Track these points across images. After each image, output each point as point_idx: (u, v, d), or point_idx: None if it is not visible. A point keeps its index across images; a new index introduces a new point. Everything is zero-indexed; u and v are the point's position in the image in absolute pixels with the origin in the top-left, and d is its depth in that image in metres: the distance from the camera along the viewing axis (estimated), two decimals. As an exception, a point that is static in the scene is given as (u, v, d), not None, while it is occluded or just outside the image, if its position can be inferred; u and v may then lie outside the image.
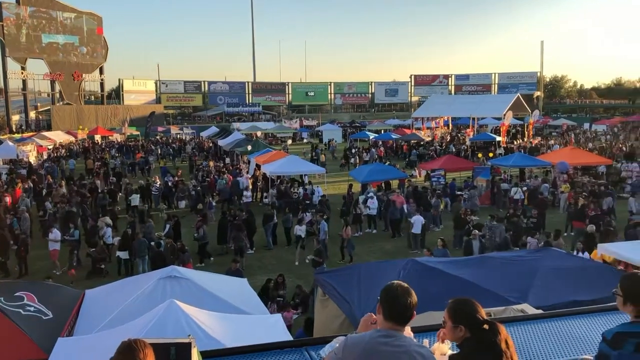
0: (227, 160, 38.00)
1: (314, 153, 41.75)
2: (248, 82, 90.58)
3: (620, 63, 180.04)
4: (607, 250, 11.57)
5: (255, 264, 17.31)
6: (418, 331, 3.59)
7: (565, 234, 19.30)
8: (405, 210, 20.41)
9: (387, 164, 33.30)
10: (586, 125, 66.87)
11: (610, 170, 29.50)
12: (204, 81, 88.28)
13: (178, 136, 62.41)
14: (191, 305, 7.01)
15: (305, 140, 60.05)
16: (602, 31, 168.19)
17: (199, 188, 25.65)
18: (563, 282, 9.23)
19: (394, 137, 50.19)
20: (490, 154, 37.20)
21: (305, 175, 27.90)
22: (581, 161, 29.10)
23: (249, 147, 34.23)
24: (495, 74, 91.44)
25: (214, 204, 23.31)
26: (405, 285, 2.84)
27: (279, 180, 26.16)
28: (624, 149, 40.78)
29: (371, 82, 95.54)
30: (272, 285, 13.36)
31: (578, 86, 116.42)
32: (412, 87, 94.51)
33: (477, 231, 16.27)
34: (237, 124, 65.45)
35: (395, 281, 2.89)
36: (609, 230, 16.07)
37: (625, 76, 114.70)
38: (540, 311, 6.24)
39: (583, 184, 25.75)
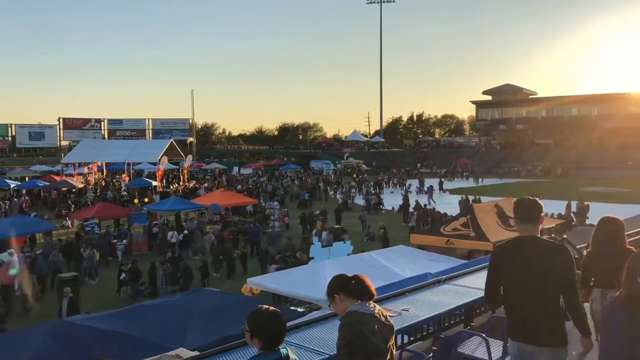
0: None
1: None
2: None
3: (260, 114, 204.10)
4: (255, 283, 12.59)
5: None
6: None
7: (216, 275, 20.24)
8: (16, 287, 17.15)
9: (33, 215, 29.93)
10: (235, 169, 72.97)
11: (257, 209, 32.75)
12: None
13: None
14: None
15: None
16: (242, 82, 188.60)
17: None
18: (218, 320, 9.63)
19: (40, 184, 45.55)
20: (146, 199, 37.11)
21: None
22: (232, 202, 31.53)
23: None
24: (149, 119, 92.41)
25: None
26: None
27: None
28: (268, 188, 45.93)
29: (11, 124, 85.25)
30: None
31: (227, 133, 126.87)
32: (61, 130, 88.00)
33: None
34: None
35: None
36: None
37: (265, 125, 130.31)
38: (195, 353, 6.34)
39: (234, 222, 27.89)
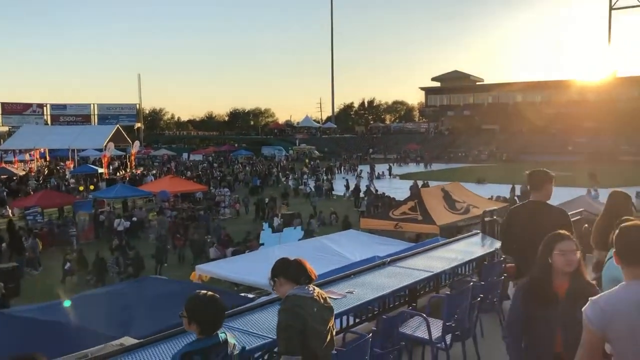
0: None
1: None
2: None
3: (211, 99, 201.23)
4: (203, 270, 12.50)
5: None
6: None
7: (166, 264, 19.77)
8: None
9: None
10: (185, 155, 71.73)
11: (207, 196, 32.35)
12: None
13: None
14: None
15: None
16: (193, 70, 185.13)
17: None
18: (165, 308, 9.48)
19: (-23, 172, 43.55)
20: (92, 187, 36.08)
21: None
22: (181, 189, 31.03)
23: None
24: (94, 104, 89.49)
25: None
26: None
27: None
28: (216, 175, 45.43)
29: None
30: None
31: (176, 118, 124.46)
32: (1, 116, 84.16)
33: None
34: None
35: None
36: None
37: (215, 110, 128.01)
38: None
39: (184, 209, 27.48)
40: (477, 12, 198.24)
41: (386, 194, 30.35)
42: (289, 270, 3.35)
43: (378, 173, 48.28)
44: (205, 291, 2.99)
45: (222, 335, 2.94)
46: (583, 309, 2.61)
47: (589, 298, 2.64)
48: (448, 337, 4.78)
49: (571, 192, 21.67)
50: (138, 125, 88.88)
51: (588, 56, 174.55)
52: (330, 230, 20.43)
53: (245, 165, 57.77)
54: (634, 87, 69.59)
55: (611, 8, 75.19)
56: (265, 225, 16.92)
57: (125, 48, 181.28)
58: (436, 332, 4.71)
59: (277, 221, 22.70)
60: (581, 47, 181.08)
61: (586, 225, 9.25)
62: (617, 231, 2.69)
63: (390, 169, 49.84)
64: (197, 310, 2.90)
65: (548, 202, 4.95)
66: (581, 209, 11.36)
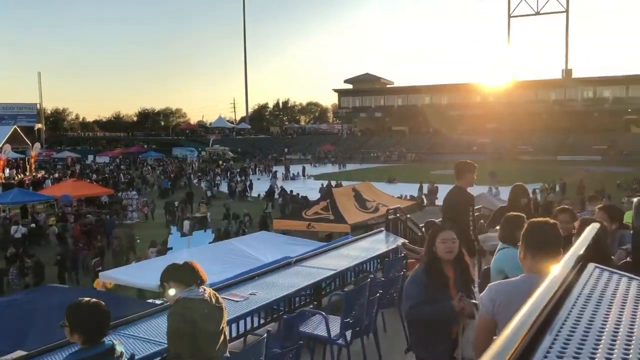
0: None
1: None
2: None
3: (119, 99, 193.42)
4: (108, 277, 12.01)
5: None
6: None
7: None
8: None
9: None
10: (90, 157, 68.49)
11: (113, 200, 31.07)
12: None
13: None
14: None
15: None
16: (99, 68, 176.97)
17: None
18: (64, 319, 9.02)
19: None
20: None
21: None
22: (85, 192, 29.59)
23: None
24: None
25: None
26: None
27: None
28: (121, 178, 43.80)
29: None
30: None
31: (80, 119, 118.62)
32: None
33: None
34: None
35: None
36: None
37: (123, 110, 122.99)
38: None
39: (87, 215, 26.23)
40: (387, 17, 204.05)
41: (300, 195, 30.52)
42: (178, 274, 3.28)
43: (293, 174, 48.48)
44: (88, 298, 2.88)
45: (108, 343, 2.84)
46: (480, 295, 2.75)
47: (488, 285, 2.79)
48: (348, 334, 4.86)
49: (473, 190, 22.80)
50: (39, 126, 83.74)
51: (490, 61, 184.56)
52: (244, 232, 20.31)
53: (155, 167, 55.99)
54: (531, 90, 74.42)
55: (509, 16, 79.90)
56: (174, 229, 16.49)
57: (23, 44, 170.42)
58: (335, 329, 4.78)
59: (187, 225, 22.11)
60: (485, 52, 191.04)
61: (482, 221, 9.79)
62: (527, 226, 2.72)
63: (304, 170, 50.19)
64: (78, 319, 2.79)
65: (469, 188, 5.82)
66: (480, 206, 11.98)
